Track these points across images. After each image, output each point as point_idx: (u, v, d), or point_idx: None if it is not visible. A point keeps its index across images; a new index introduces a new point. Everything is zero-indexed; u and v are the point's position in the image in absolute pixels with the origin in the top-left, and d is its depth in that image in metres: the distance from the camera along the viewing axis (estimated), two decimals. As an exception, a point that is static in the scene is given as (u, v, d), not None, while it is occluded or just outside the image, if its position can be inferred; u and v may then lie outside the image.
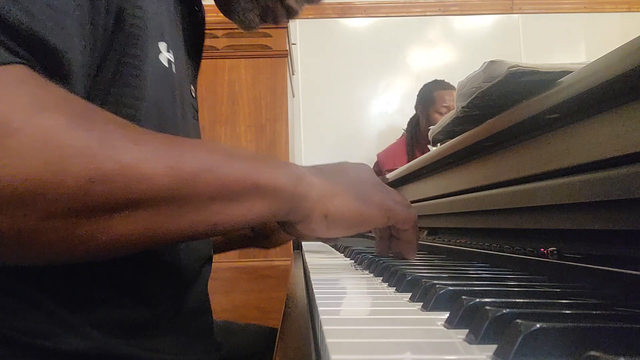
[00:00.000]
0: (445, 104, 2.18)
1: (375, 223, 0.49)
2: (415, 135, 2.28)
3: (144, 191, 0.31)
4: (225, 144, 0.42)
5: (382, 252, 0.61)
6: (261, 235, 0.80)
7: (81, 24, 0.37)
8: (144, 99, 0.43)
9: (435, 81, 2.27)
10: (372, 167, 2.43)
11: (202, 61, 0.67)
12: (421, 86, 2.30)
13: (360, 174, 0.50)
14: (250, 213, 0.38)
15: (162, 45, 0.47)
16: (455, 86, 2.31)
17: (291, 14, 0.65)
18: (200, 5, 0.60)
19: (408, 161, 2.22)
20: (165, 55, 0.47)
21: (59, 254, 0.32)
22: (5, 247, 0.29)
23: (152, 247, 0.36)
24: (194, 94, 0.60)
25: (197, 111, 0.61)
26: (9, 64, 0.30)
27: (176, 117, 0.50)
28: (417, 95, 2.30)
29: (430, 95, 2.23)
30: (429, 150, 2.31)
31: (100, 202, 0.30)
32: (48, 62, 0.34)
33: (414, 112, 2.34)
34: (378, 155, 2.36)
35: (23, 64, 0.31)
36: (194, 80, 0.61)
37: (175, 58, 0.49)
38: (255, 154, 0.41)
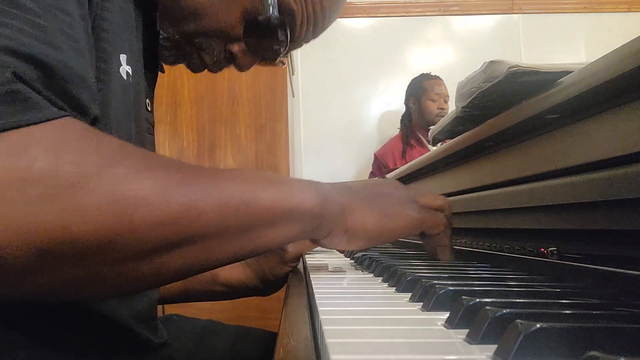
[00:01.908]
0: (436, 92, 2.24)
1: (398, 234, 0.50)
2: (410, 127, 2.33)
3: (198, 228, 0.34)
4: (258, 170, 0.47)
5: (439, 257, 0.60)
6: (269, 284, 0.75)
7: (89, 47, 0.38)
8: (109, 116, 0.44)
9: (422, 74, 2.34)
10: (371, 165, 2.43)
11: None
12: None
13: (384, 188, 0.51)
14: (283, 236, 0.40)
15: (123, 58, 0.47)
16: (444, 80, 2.32)
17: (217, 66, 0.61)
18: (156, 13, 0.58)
19: (403, 152, 2.25)
20: (125, 68, 0.47)
21: (125, 291, 0.39)
22: (81, 290, 0.32)
23: (196, 274, 0.38)
24: (149, 108, 0.58)
25: (152, 126, 0.60)
26: (57, 118, 0.31)
27: (131, 132, 0.50)
28: (407, 90, 2.36)
29: (420, 85, 2.29)
30: (425, 138, 2.33)
31: (163, 243, 0.32)
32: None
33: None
34: (375, 154, 2.37)
35: (67, 115, 0.32)
36: (150, 93, 0.60)
37: (133, 70, 0.49)
38: (286, 178, 0.42)
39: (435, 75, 2.31)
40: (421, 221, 0.51)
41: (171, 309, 0.89)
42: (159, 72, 0.63)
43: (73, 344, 0.46)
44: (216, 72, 0.62)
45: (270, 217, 0.38)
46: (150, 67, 0.58)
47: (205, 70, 0.63)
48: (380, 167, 2.28)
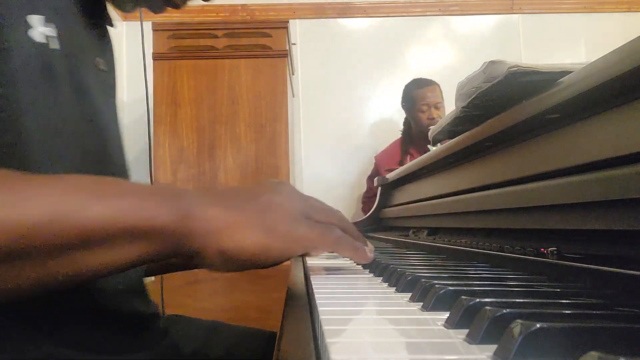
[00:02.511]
0: (424, 102, 2.20)
1: (286, 255, 0.42)
2: (409, 136, 2.31)
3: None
4: (101, 179, 0.38)
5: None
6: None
7: None
8: (14, 84, 0.41)
9: (414, 80, 2.30)
10: (371, 169, 2.42)
11: (202, 61, 0.66)
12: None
13: (273, 198, 0.43)
14: (121, 258, 0.35)
15: (35, 19, 0.43)
16: (436, 81, 2.28)
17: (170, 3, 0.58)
18: None
19: (401, 159, 2.24)
20: (41, 30, 0.44)
21: None
22: None
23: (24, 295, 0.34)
24: (103, 67, 0.54)
25: (112, 87, 0.56)
26: None
27: (61, 97, 0.46)
28: (401, 99, 2.33)
29: (410, 96, 2.27)
30: (424, 148, 2.31)
31: None
32: None
33: None
34: (375, 158, 2.37)
35: None
36: (101, 52, 0.56)
37: (60, 31, 0.46)
38: (140, 189, 0.37)
39: (427, 81, 2.25)
40: (309, 241, 0.43)
41: (171, 310, 0.89)
42: (110, 27, 0.60)
43: (66, 318, 0.46)
44: (181, 6, 0.61)
45: (93, 237, 0.33)
46: (95, 23, 0.54)
47: (205, 69, 0.62)
48: (378, 172, 2.28)
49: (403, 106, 2.32)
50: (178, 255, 0.39)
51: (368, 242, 0.51)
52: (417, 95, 2.23)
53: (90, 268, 0.34)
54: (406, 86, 2.31)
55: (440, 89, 2.23)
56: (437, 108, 2.21)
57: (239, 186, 0.46)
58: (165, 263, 0.69)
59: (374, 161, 2.37)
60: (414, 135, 2.28)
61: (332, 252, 0.48)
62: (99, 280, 0.44)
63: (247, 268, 0.41)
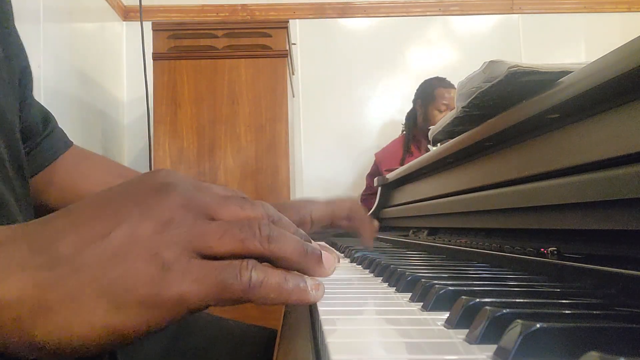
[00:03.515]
0: (445, 102, 2.19)
1: (154, 327, 0.27)
2: (413, 129, 2.29)
3: None
4: None
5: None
6: None
7: None
8: None
9: (437, 78, 2.28)
10: (371, 167, 2.40)
11: (202, 61, 0.66)
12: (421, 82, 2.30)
13: (130, 226, 0.27)
14: None
15: None
16: (456, 85, 2.27)
17: None
18: None
19: (402, 157, 2.23)
20: None
21: None
22: None
23: None
24: None
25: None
26: None
27: None
28: (418, 89, 2.31)
29: (431, 92, 2.24)
30: (426, 146, 2.30)
31: None
32: None
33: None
34: (376, 155, 2.36)
35: None
36: None
37: None
38: None
39: (450, 83, 2.23)
40: (209, 291, 0.27)
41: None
42: None
43: None
44: None
45: None
46: None
47: (205, 69, 0.62)
48: (378, 170, 2.27)
49: (416, 100, 2.29)
50: None
51: (327, 251, 0.34)
52: (439, 93, 2.21)
53: None
54: (428, 81, 2.28)
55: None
56: (451, 110, 2.20)
57: (85, 203, 0.29)
58: None
59: (374, 158, 2.37)
60: (417, 132, 2.27)
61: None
62: None
63: (85, 356, 0.27)
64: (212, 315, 0.76)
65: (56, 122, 0.68)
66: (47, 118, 0.67)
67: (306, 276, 0.31)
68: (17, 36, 0.60)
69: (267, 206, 0.32)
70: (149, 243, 0.27)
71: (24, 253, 0.26)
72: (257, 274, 0.28)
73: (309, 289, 0.30)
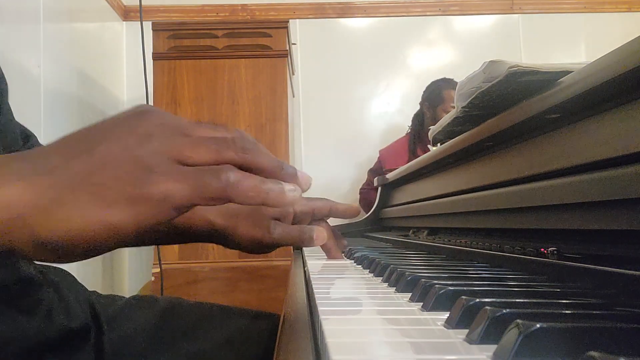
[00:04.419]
0: (453, 104, 2.17)
1: (142, 225, 0.30)
2: (419, 133, 2.26)
3: None
4: None
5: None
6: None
7: None
8: None
9: (445, 79, 2.27)
10: (373, 164, 2.37)
11: (202, 61, 0.65)
12: (427, 84, 2.29)
13: (117, 142, 0.30)
14: None
15: None
16: None
17: None
18: None
19: (408, 158, 2.22)
20: None
21: None
22: None
23: None
24: None
25: None
26: None
27: None
28: (425, 92, 2.29)
29: (439, 94, 2.22)
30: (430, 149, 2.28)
31: None
32: None
33: (414, 112, 2.34)
34: (380, 152, 2.34)
35: None
36: None
37: None
38: None
39: (457, 83, 2.23)
40: (184, 196, 0.30)
41: (169, 292, 0.89)
42: None
43: None
44: None
45: None
46: None
47: (205, 69, 0.61)
48: (380, 167, 2.26)
49: (423, 102, 2.27)
50: None
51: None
52: (448, 95, 2.20)
53: None
54: (436, 83, 2.27)
55: None
56: None
57: (72, 133, 0.32)
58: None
59: (378, 155, 2.34)
60: (424, 135, 2.26)
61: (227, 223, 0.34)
62: None
63: (92, 255, 0.30)
64: (199, 301, 0.76)
65: (37, 140, 0.65)
66: (27, 135, 0.65)
67: (283, 182, 0.33)
68: None
69: (243, 131, 0.34)
70: (133, 152, 0.30)
71: (20, 165, 0.29)
72: (234, 175, 0.31)
73: (286, 192, 0.33)
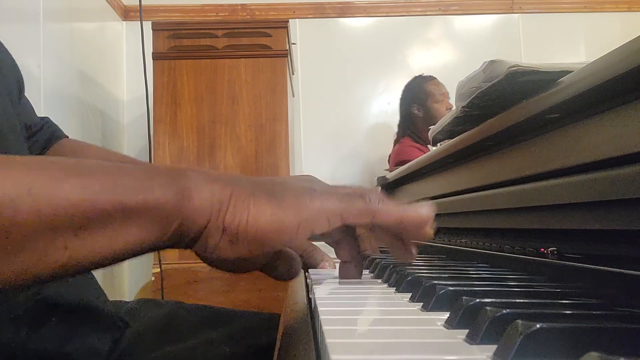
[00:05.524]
0: (440, 92, 2.19)
1: (307, 231, 0.36)
2: (421, 135, 2.21)
3: None
4: (84, 159, 0.33)
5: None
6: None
7: None
8: None
9: (419, 77, 2.28)
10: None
11: (202, 61, 0.66)
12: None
13: (290, 180, 0.40)
14: (118, 241, 0.31)
15: None
16: (444, 80, 2.25)
17: None
18: None
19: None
20: None
21: None
22: None
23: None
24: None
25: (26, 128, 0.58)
26: None
27: None
28: (405, 97, 2.28)
29: (424, 90, 2.22)
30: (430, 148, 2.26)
31: None
32: None
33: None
34: (403, 140, 2.26)
35: None
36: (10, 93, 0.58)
37: None
38: (132, 167, 0.33)
39: (430, 76, 2.24)
40: (342, 210, 0.38)
41: (170, 292, 0.89)
42: None
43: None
44: None
45: (73, 218, 0.29)
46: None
47: (205, 69, 0.64)
48: (402, 154, 2.14)
49: (411, 102, 2.25)
50: (182, 236, 0.34)
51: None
52: (431, 88, 2.21)
53: (81, 256, 0.30)
54: (414, 83, 2.27)
55: None
56: (448, 97, 2.19)
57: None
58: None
59: (404, 140, 2.24)
60: (425, 134, 2.23)
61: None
62: None
63: (256, 252, 0.35)
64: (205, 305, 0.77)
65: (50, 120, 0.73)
66: (42, 117, 0.70)
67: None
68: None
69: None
70: (304, 183, 0.39)
71: (218, 175, 0.36)
72: (375, 196, 0.40)
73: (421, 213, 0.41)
